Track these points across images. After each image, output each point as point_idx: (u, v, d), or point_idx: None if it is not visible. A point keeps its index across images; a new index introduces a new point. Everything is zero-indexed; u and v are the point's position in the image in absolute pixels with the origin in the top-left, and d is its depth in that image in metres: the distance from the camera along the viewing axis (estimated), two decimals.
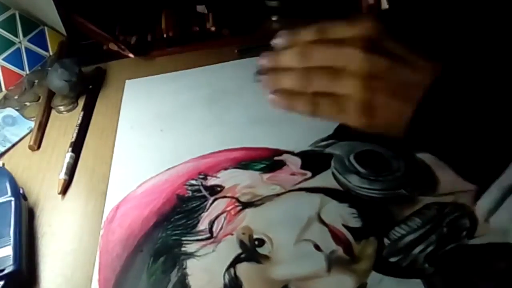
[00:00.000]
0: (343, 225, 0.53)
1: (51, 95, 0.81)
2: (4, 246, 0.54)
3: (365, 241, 0.52)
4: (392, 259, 0.50)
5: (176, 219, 0.58)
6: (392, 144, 0.61)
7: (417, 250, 0.50)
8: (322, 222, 0.54)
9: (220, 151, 0.65)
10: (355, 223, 0.54)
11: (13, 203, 0.59)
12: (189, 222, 0.57)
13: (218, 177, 0.62)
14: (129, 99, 0.78)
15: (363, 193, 0.57)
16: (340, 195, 0.57)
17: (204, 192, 0.60)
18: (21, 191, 0.62)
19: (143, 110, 0.75)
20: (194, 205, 0.59)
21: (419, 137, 0.44)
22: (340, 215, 0.54)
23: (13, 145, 0.74)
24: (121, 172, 0.66)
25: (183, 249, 0.55)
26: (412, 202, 0.55)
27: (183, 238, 0.56)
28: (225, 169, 0.63)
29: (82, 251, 0.58)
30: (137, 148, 0.69)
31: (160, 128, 0.71)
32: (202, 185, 0.61)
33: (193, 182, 0.62)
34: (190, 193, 0.61)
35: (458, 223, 0.52)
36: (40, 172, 0.69)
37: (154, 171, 0.64)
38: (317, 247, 0.52)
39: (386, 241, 0.52)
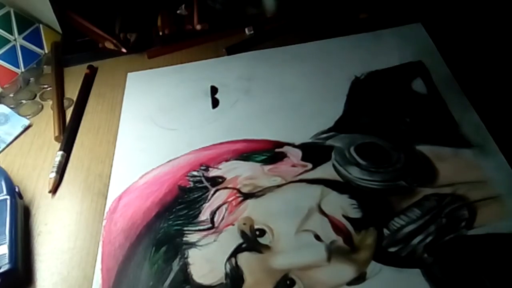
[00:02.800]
0: (343, 215, 0.54)
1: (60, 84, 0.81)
2: (0, 244, 0.54)
3: (365, 231, 0.53)
4: (392, 249, 0.51)
5: (178, 209, 0.59)
6: (392, 137, 0.61)
7: (416, 240, 0.51)
8: (323, 212, 0.55)
9: (221, 143, 0.66)
10: (355, 213, 0.54)
11: (8, 201, 0.59)
12: (190, 212, 0.58)
13: (220, 169, 0.62)
14: (131, 91, 0.78)
15: (364, 184, 0.57)
16: (341, 186, 0.57)
17: (206, 183, 0.61)
18: (16, 190, 0.62)
19: (145, 102, 0.76)
20: (195, 195, 0.60)
21: None
22: (340, 206, 0.55)
23: (8, 145, 0.73)
24: (124, 164, 0.66)
25: (184, 239, 0.55)
26: (411, 193, 0.55)
27: (185, 228, 0.56)
28: (227, 160, 0.63)
29: (78, 250, 0.58)
30: (140, 140, 0.69)
31: (162, 120, 0.72)
32: (203, 176, 0.62)
33: (195, 173, 0.62)
34: (191, 184, 0.61)
35: (457, 214, 0.52)
36: (36, 171, 0.69)
37: (156, 163, 0.65)
38: (317, 237, 0.52)
39: (385, 231, 0.52)
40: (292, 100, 0.70)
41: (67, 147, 0.70)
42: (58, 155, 0.68)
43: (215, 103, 0.72)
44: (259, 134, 0.66)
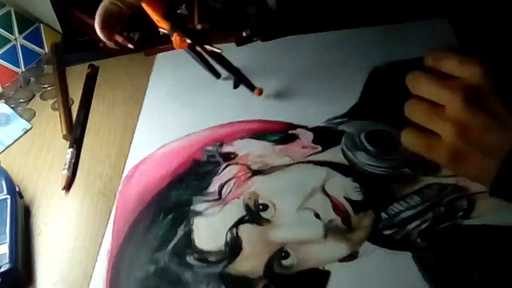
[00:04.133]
0: (345, 197, 0.55)
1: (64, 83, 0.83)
2: (0, 244, 0.54)
3: (363, 213, 0.54)
4: (387, 232, 0.52)
5: (190, 180, 0.62)
6: (403, 126, 0.62)
7: (412, 225, 0.52)
8: (325, 193, 0.56)
9: (237, 122, 0.68)
10: (357, 196, 0.55)
11: (9, 201, 0.59)
12: (201, 184, 0.61)
13: (233, 145, 0.65)
14: (159, 71, 0.82)
15: (369, 169, 0.58)
16: (346, 169, 0.59)
17: (218, 158, 0.63)
18: (17, 189, 0.62)
19: (170, 81, 0.79)
20: (207, 169, 0.62)
21: (504, 195, 0.45)
22: (343, 188, 0.56)
23: (7, 147, 0.74)
24: (143, 136, 0.70)
25: (192, 207, 0.58)
26: (414, 180, 0.56)
27: (194, 198, 0.59)
28: (241, 138, 0.66)
29: (79, 249, 0.58)
30: (161, 115, 0.73)
31: (184, 98, 0.75)
32: (217, 151, 0.64)
33: (210, 148, 0.65)
34: (205, 158, 0.64)
35: (456, 204, 0.53)
36: (36, 170, 0.69)
37: (175, 137, 0.68)
38: (317, 216, 0.54)
39: (383, 215, 0.53)
40: (310, 87, 0.72)
41: (78, 146, 0.71)
42: (69, 153, 0.69)
43: (236, 84, 0.74)
44: (274, 116, 0.68)
